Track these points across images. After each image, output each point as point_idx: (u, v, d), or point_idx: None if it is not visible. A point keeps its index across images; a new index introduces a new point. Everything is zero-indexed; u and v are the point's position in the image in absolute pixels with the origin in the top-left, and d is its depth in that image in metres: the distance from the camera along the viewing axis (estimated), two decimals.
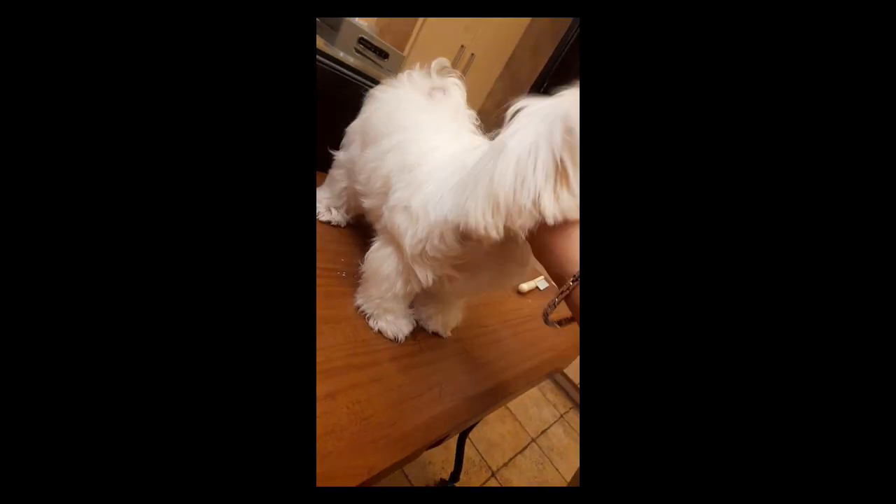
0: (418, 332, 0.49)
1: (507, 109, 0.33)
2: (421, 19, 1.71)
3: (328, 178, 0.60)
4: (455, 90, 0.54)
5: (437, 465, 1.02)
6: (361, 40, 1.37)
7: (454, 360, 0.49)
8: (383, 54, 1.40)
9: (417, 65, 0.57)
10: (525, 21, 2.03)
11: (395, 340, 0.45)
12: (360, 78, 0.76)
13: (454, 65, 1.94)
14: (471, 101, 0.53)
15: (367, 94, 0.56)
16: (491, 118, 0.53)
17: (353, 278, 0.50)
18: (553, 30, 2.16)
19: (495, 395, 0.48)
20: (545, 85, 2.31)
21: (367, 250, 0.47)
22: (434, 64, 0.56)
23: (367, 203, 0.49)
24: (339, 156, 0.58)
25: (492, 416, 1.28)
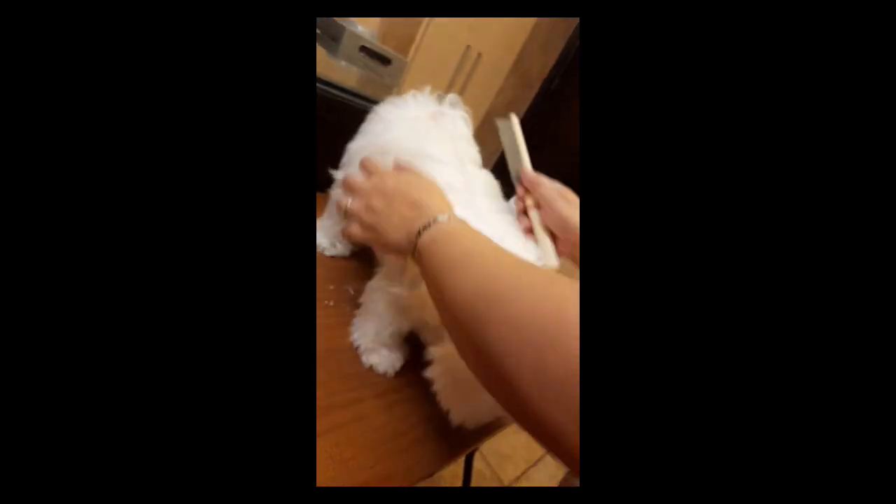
0: (406, 364, 0.48)
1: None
2: (424, 22, 1.69)
3: (328, 203, 0.59)
4: (461, 123, 0.53)
5: (445, 478, 1.02)
6: (363, 49, 1.36)
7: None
8: (386, 61, 1.39)
9: (427, 89, 0.56)
10: (531, 20, 1.98)
11: (386, 375, 0.45)
12: (358, 101, 0.75)
13: (460, 65, 1.91)
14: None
15: (371, 112, 0.55)
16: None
17: (342, 307, 0.49)
18: (563, 26, 2.10)
19: (488, 426, 0.46)
20: (555, 82, 2.26)
21: (361, 276, 0.46)
22: (449, 97, 0.55)
23: None
24: (340, 176, 0.57)
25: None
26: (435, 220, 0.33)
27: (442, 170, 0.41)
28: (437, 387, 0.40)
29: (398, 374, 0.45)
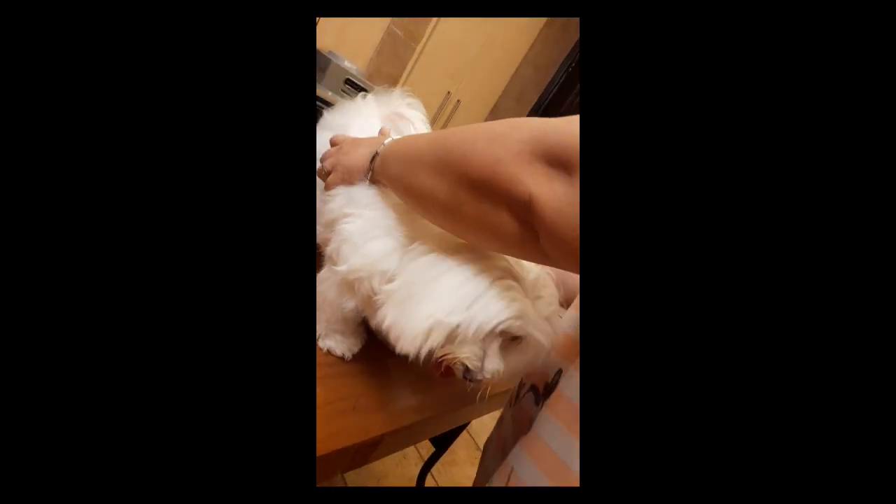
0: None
1: None
2: (410, 64, 1.82)
3: None
4: (420, 124, 0.55)
5: None
6: (348, 81, 1.45)
7: (384, 375, 0.47)
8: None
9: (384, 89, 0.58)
10: (510, 69, 2.16)
11: (344, 358, 0.44)
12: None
13: (440, 110, 2.04)
14: None
15: (320, 120, 0.57)
16: None
17: None
18: (537, 78, 2.30)
19: (428, 410, 0.46)
20: None
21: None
22: (398, 91, 0.57)
23: (321, 232, 0.49)
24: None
25: (461, 454, 1.21)
26: (383, 144, 0.41)
27: None
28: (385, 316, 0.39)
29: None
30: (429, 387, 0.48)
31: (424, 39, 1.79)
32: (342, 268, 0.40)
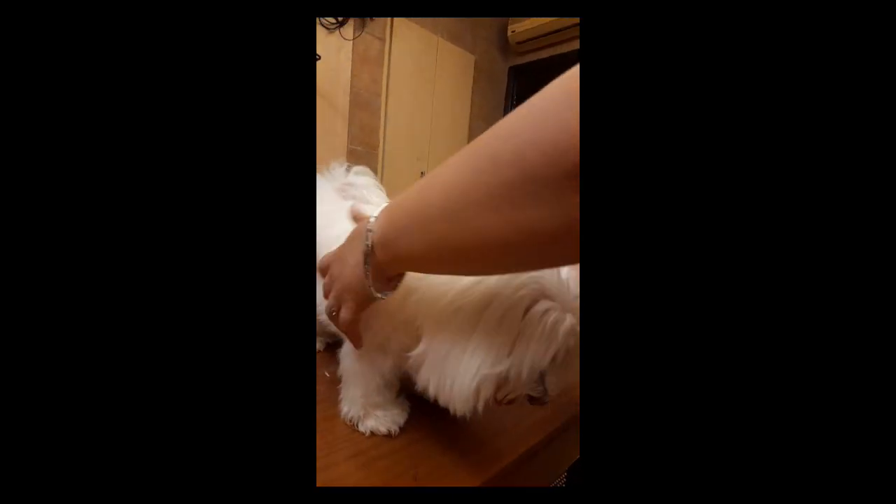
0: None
1: None
2: (379, 170, 1.96)
3: None
4: (373, 189, 0.53)
5: None
6: None
7: (437, 433, 0.40)
8: None
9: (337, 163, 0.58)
10: (464, 129, 2.29)
11: (391, 434, 0.39)
12: None
13: None
14: None
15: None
16: None
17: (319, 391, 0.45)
18: (488, 123, 2.42)
19: (489, 462, 0.38)
20: None
21: (335, 359, 0.44)
22: (339, 167, 0.57)
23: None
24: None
25: None
26: (368, 231, 0.30)
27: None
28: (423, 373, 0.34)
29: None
30: (490, 424, 0.41)
31: (381, 143, 1.96)
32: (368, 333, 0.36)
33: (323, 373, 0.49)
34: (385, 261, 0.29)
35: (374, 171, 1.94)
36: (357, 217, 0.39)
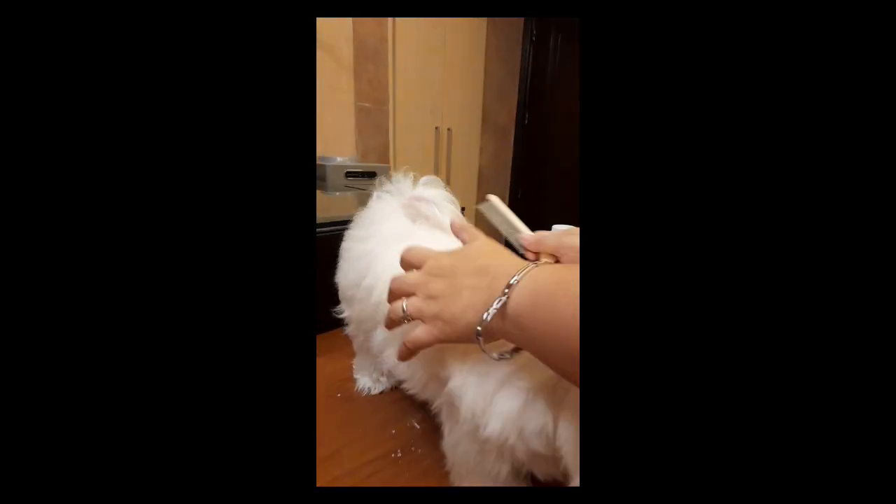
0: None
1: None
2: (391, 126, 1.84)
3: (354, 344, 0.54)
4: (444, 203, 0.46)
5: None
6: (348, 174, 1.48)
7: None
8: (371, 174, 1.49)
9: (401, 174, 0.50)
10: (479, 75, 2.12)
11: None
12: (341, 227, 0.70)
13: (437, 147, 2.02)
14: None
15: (343, 249, 0.50)
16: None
17: (413, 453, 0.42)
18: (507, 69, 2.23)
19: None
20: (527, 118, 2.34)
21: (419, 405, 0.41)
22: (424, 180, 0.49)
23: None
24: (345, 312, 0.51)
25: None
26: (517, 280, 0.25)
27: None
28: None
29: None
30: None
31: (391, 99, 1.81)
32: (486, 432, 0.29)
33: (412, 424, 0.46)
34: (512, 314, 0.25)
35: (385, 128, 1.84)
36: (461, 232, 0.34)
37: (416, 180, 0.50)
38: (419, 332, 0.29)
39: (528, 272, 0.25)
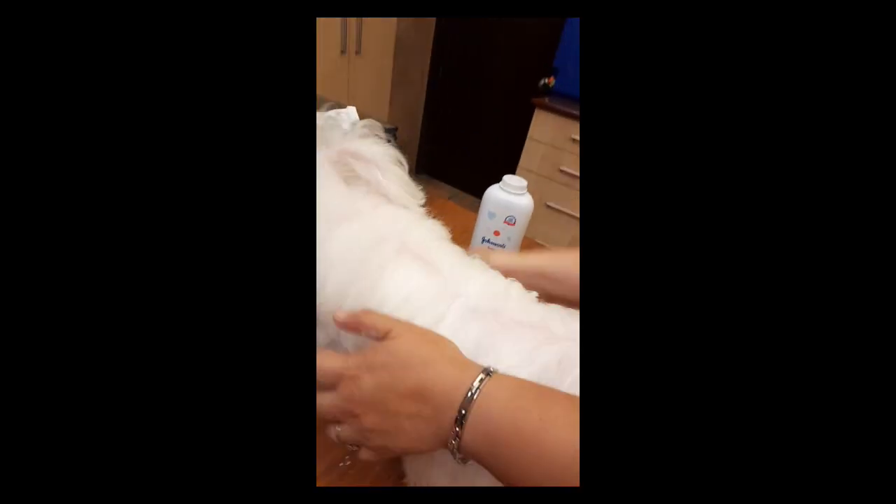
0: None
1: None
2: None
3: None
4: (390, 166, 0.35)
5: None
6: None
7: None
8: None
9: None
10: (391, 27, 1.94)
11: None
12: None
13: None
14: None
15: None
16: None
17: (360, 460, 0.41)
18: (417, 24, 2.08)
19: None
20: (441, 71, 2.24)
21: None
22: (361, 129, 0.36)
23: None
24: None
25: None
26: (464, 414, 0.23)
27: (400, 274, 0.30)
28: None
29: None
30: None
31: None
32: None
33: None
34: (466, 446, 0.23)
35: None
36: (362, 326, 0.27)
37: (352, 125, 0.38)
38: (368, 455, 0.27)
39: (474, 406, 0.23)
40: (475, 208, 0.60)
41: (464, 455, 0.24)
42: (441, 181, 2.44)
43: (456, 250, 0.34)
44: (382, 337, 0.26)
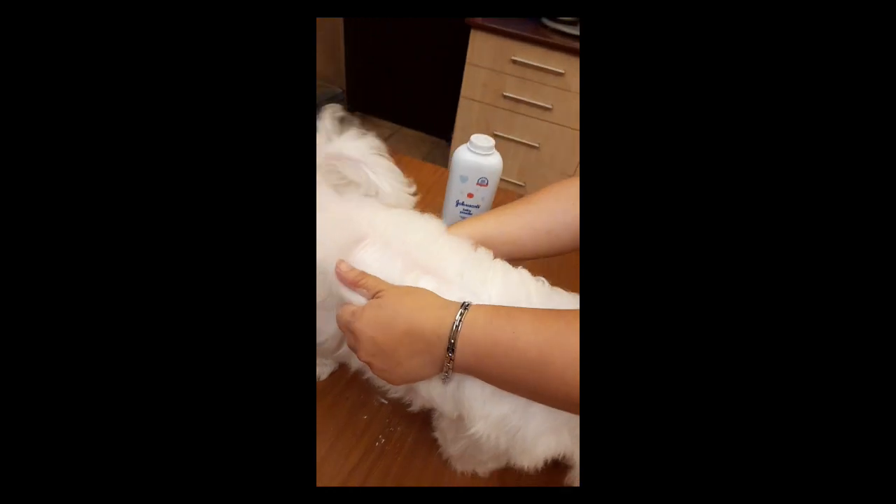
0: None
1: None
2: None
3: None
4: (381, 170, 0.35)
5: None
6: None
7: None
8: None
9: None
10: None
11: None
12: None
13: None
14: None
15: None
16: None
17: (394, 434, 0.43)
18: None
19: None
20: None
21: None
22: (348, 132, 0.34)
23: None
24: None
25: None
26: (453, 343, 0.28)
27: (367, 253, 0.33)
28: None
29: None
30: None
31: None
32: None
33: (378, 399, 0.46)
34: (458, 368, 0.30)
35: None
36: (356, 286, 0.33)
37: (340, 125, 0.37)
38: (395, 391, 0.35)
39: (460, 335, 0.28)
40: (420, 143, 0.59)
41: (457, 372, 0.30)
42: (378, 118, 2.29)
43: (454, 245, 0.35)
44: (373, 296, 0.31)
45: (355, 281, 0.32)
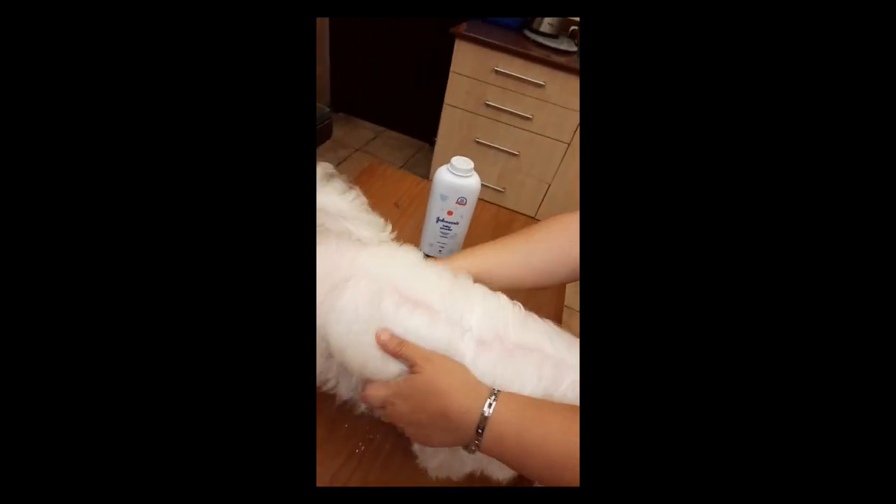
0: None
1: None
2: None
3: None
4: (361, 224, 0.38)
5: None
6: None
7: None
8: None
9: None
10: None
11: None
12: None
13: None
14: None
15: None
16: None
17: (372, 441, 0.46)
18: None
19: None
20: None
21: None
22: (328, 186, 0.37)
23: None
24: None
25: None
26: (481, 432, 0.31)
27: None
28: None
29: None
30: None
31: None
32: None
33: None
34: (485, 450, 0.33)
35: None
36: (398, 356, 0.34)
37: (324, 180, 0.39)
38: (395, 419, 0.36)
39: (488, 424, 0.31)
40: (403, 146, 0.62)
41: (482, 452, 0.33)
42: (362, 119, 2.29)
43: (438, 273, 0.38)
44: (411, 367, 0.34)
45: (396, 351, 0.34)
